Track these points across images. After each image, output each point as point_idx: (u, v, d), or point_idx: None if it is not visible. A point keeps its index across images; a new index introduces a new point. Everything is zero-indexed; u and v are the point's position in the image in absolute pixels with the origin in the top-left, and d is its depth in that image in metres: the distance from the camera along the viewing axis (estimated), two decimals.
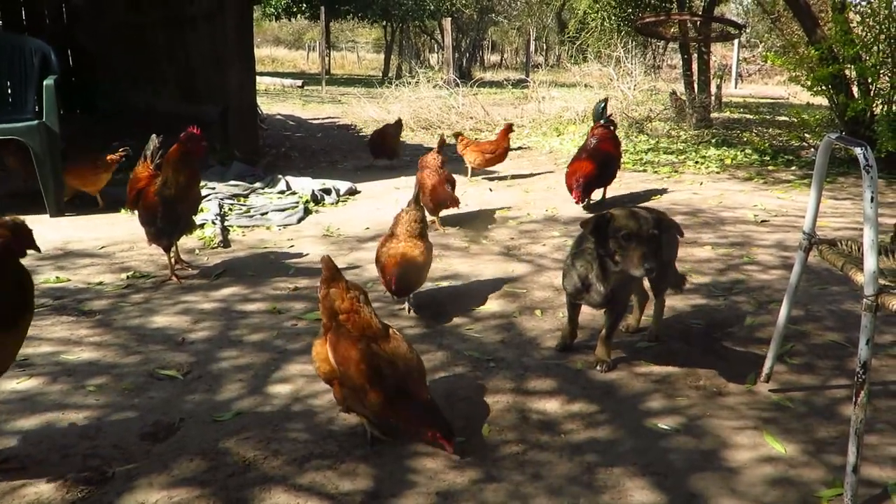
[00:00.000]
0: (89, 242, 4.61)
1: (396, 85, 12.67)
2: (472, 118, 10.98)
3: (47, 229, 4.88)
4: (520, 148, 9.10)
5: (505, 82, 15.80)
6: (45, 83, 5.29)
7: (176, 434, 2.37)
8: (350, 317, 2.34)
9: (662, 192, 6.29)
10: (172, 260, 3.98)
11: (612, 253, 2.55)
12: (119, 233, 4.82)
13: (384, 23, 28.66)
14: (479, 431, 2.40)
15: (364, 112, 12.18)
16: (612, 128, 5.95)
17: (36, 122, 5.19)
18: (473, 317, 3.43)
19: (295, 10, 26.82)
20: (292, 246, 4.65)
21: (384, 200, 6.03)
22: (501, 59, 39.30)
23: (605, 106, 6.08)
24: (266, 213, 5.44)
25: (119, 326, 3.28)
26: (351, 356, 2.24)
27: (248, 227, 5.12)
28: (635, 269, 2.48)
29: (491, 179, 7.04)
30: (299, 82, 20.11)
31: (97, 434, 2.36)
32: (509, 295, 3.73)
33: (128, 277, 3.95)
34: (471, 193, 6.32)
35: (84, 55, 9.77)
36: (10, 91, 5.99)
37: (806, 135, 7.99)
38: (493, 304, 3.59)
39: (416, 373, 2.29)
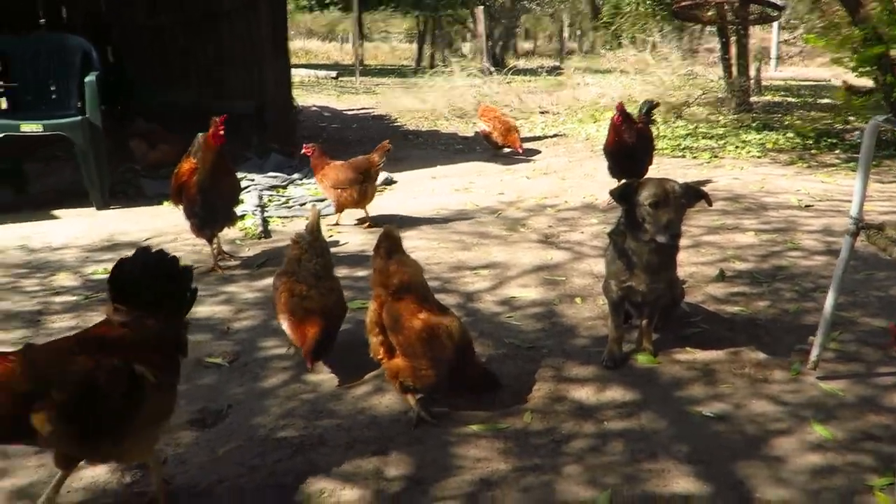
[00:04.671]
0: (135, 234, 4.70)
1: (430, 74, 12.67)
2: (506, 106, 10.93)
3: (94, 222, 5.00)
4: (555, 135, 9.03)
5: (539, 69, 15.67)
6: (86, 80, 5.42)
7: (224, 420, 2.43)
8: (411, 288, 2.44)
9: (702, 177, 6.19)
10: (215, 251, 4.05)
11: (641, 221, 2.55)
12: (163, 225, 4.91)
13: (416, 13, 28.61)
14: (520, 419, 2.41)
15: (399, 102, 12.20)
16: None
17: (79, 117, 5.31)
18: (513, 305, 3.43)
19: (328, 1, 26.95)
20: (331, 236, 4.69)
21: (420, 189, 6.04)
22: (535, 47, 38.85)
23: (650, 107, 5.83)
24: (305, 203, 5.50)
25: None
26: (413, 326, 2.34)
27: (288, 217, 5.18)
28: (661, 236, 2.49)
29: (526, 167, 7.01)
30: (333, 73, 20.14)
31: None
32: (548, 282, 3.72)
33: None
34: (507, 181, 6.31)
35: (118, 52, 9.92)
36: (53, 88, 6.13)
37: (850, 117, 7.78)
38: (532, 292, 3.58)
39: (469, 344, 2.42)
